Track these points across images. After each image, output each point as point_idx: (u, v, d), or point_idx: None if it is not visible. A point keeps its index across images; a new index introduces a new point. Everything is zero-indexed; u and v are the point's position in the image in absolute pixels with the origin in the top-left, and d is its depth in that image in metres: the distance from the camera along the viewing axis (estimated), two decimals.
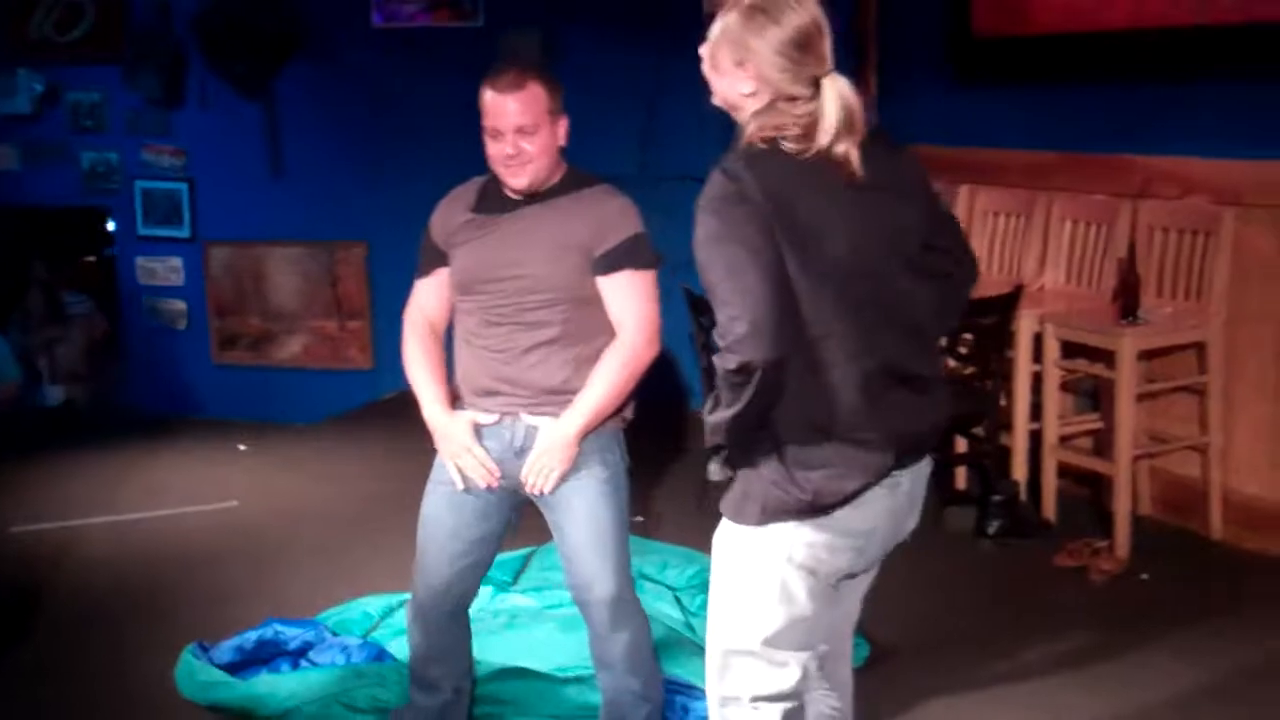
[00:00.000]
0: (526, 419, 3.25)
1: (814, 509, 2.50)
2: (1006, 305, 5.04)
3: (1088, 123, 5.39)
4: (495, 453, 3.26)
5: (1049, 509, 5.19)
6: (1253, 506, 4.91)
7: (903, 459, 2.58)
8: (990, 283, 5.23)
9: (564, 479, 3.23)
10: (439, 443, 3.30)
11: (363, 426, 6.93)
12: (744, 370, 2.40)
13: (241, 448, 6.79)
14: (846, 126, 2.48)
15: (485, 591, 4.52)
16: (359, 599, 4.55)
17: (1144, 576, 4.74)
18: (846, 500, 2.52)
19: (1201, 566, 4.84)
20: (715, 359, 2.47)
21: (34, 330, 8.24)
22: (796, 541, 2.53)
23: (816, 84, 2.49)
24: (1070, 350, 5.09)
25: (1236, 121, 4.86)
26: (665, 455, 6.13)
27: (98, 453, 6.78)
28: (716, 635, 2.66)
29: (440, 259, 3.36)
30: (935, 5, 5.95)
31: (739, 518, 2.56)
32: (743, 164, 2.44)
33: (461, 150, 7.01)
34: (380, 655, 4.15)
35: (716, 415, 2.49)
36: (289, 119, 7.40)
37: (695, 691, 3.72)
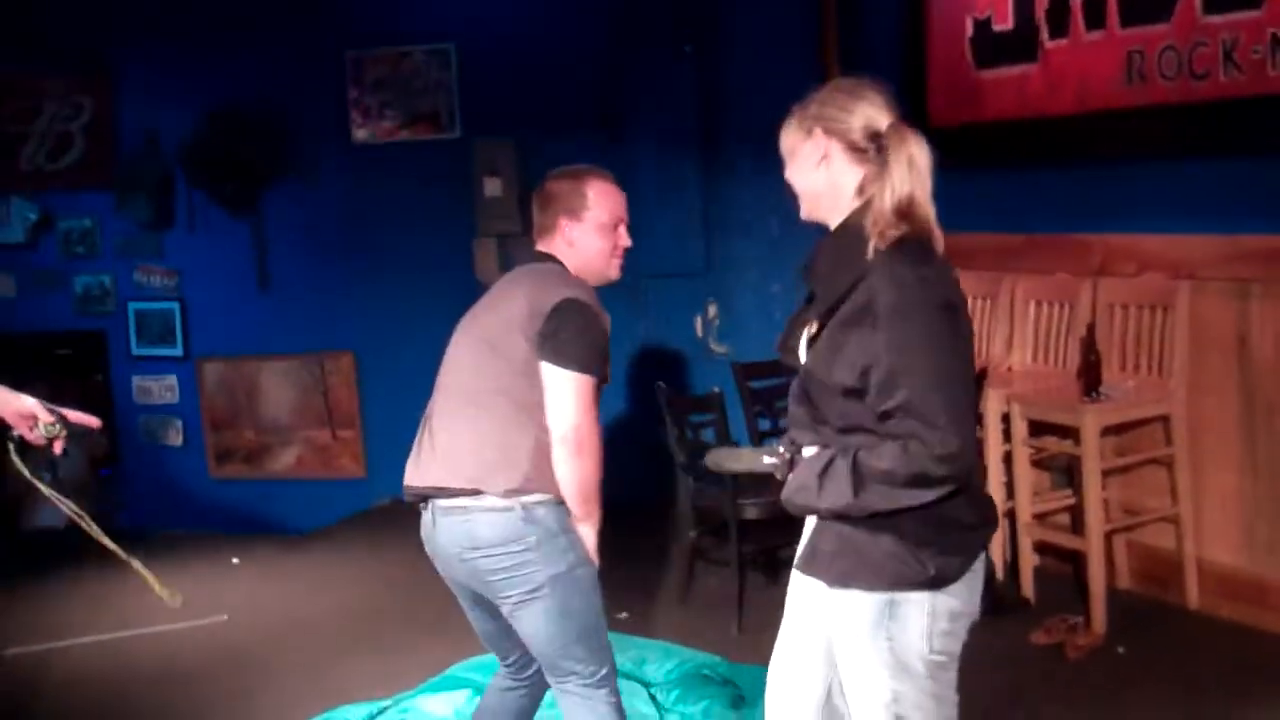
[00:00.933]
0: None
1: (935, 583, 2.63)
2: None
3: (1047, 205, 5.50)
4: None
5: (1027, 586, 5.23)
6: (1227, 575, 4.94)
7: None
8: None
9: None
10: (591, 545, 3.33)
11: (353, 535, 7.00)
12: (943, 482, 2.53)
13: (234, 561, 6.86)
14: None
15: (465, 693, 4.57)
16: (341, 708, 4.59)
17: (1120, 650, 4.77)
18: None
19: (1178, 637, 4.86)
20: (900, 455, 2.52)
21: (37, 452, 8.34)
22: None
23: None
24: (1039, 429, 5.16)
25: (1187, 198, 4.97)
26: (649, 550, 6.19)
27: (95, 572, 6.81)
28: None
29: (607, 365, 3.39)
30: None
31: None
32: (926, 266, 2.56)
33: (440, 259, 7.27)
34: None
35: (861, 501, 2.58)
36: (275, 236, 7.57)
37: None
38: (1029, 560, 5.23)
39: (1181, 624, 4.96)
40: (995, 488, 5.25)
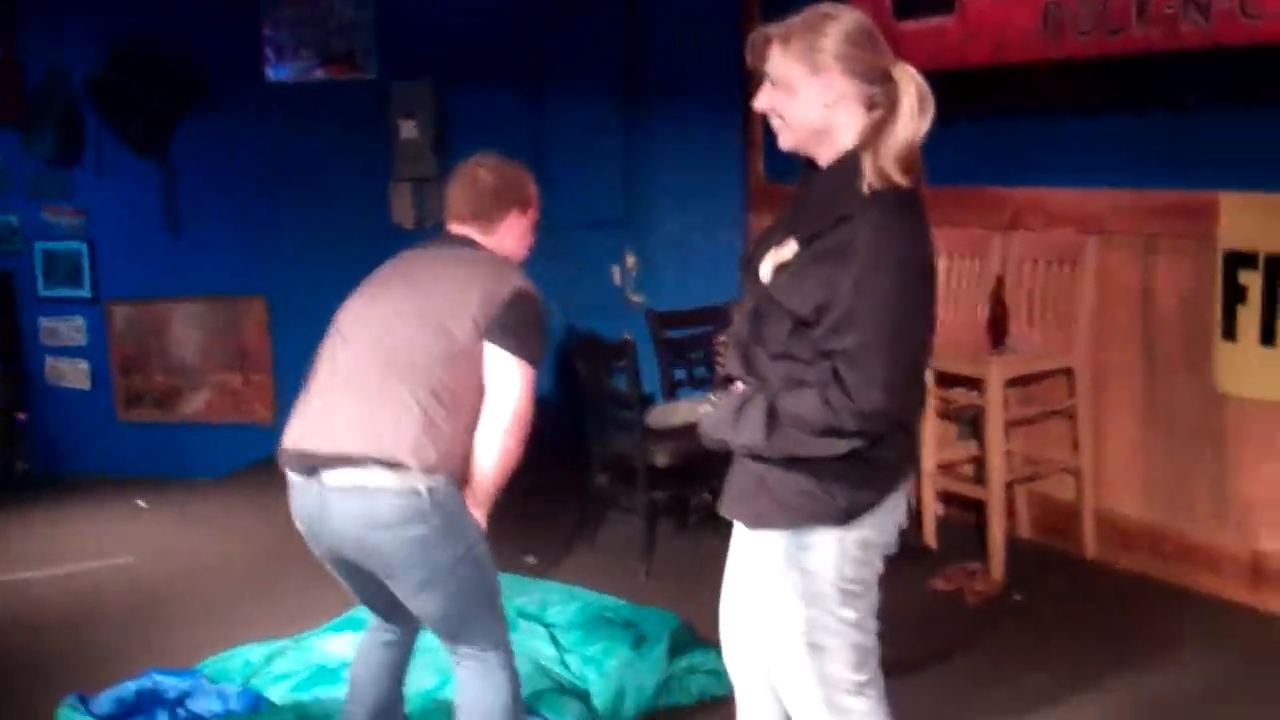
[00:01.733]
0: None
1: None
2: None
3: (961, 157, 5.49)
4: None
5: (929, 534, 5.29)
6: (1124, 526, 5.03)
7: None
8: None
9: None
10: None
11: (261, 480, 6.85)
12: (857, 435, 2.53)
13: (141, 504, 6.78)
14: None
15: None
16: (240, 647, 4.56)
17: (1017, 597, 4.84)
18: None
19: (1074, 586, 4.94)
20: (819, 406, 2.52)
21: None
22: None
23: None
24: (949, 380, 5.20)
25: (1098, 153, 5.02)
26: (560, 494, 6.18)
27: (5, 515, 6.74)
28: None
29: None
30: None
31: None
32: (915, 224, 2.57)
33: (355, 202, 7.19)
34: (257, 703, 4.16)
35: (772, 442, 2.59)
36: (186, 177, 7.42)
37: None
38: (932, 509, 5.29)
39: (1078, 573, 5.04)
40: None
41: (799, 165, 2.76)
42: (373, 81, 7.17)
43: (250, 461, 7.29)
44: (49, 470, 7.71)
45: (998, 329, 5.01)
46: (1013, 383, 5.07)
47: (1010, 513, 5.27)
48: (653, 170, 6.79)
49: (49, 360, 7.85)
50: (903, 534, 5.11)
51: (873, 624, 2.78)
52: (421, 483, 3.07)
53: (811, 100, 2.63)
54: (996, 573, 4.94)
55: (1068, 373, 5.06)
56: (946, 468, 5.41)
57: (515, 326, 3.19)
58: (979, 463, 5.43)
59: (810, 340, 2.58)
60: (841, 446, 2.56)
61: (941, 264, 5.47)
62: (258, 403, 7.57)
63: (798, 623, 2.71)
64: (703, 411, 2.82)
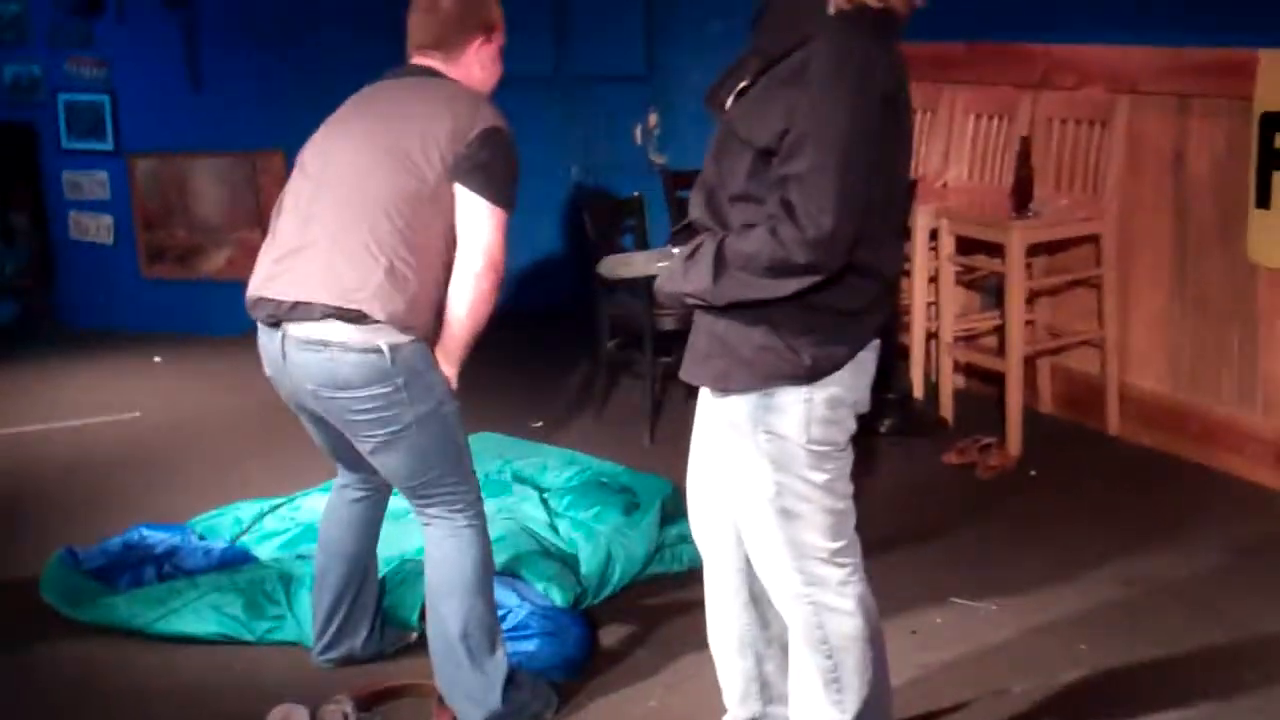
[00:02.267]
0: None
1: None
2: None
3: (988, 9, 5.23)
4: None
5: (946, 407, 5.13)
6: (1148, 401, 4.83)
7: None
8: None
9: None
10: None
11: None
12: (807, 270, 2.38)
13: (156, 360, 6.73)
14: None
15: None
16: (232, 504, 4.50)
17: (1033, 473, 4.69)
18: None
19: (1093, 463, 4.78)
20: (766, 240, 2.39)
21: None
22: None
23: None
24: (972, 247, 5.00)
25: (1131, 7, 4.73)
26: (569, 357, 6.08)
27: (22, 366, 6.73)
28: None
29: None
30: None
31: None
32: (878, 46, 2.39)
33: (376, 60, 6.97)
34: (244, 559, 4.11)
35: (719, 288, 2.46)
36: (208, 29, 7.25)
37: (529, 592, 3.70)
38: (949, 381, 5.12)
39: (1099, 449, 4.87)
40: (918, 305, 5.12)
41: None
42: None
43: None
44: (71, 324, 7.67)
45: (1022, 192, 4.77)
46: (1036, 250, 4.86)
47: (1031, 386, 5.10)
48: (679, 23, 6.53)
49: (72, 214, 7.76)
50: (917, 405, 5.04)
51: (846, 487, 2.65)
52: (384, 338, 2.93)
53: None
54: (1013, 447, 4.78)
55: (1094, 240, 4.83)
56: (967, 338, 5.23)
57: (486, 165, 3.00)
58: (1001, 334, 5.24)
59: (769, 176, 2.42)
60: (790, 286, 2.41)
61: (967, 124, 5.27)
62: None
63: (767, 488, 2.59)
64: (659, 267, 2.67)
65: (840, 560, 2.67)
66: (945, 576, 3.93)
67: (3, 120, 7.70)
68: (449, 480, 3.14)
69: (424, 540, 3.24)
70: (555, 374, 5.88)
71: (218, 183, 7.50)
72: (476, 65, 3.18)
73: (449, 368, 3.11)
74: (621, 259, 2.93)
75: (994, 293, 5.28)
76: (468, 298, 3.04)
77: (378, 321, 2.92)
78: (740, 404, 2.58)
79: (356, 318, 2.91)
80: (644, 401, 5.18)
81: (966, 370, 5.31)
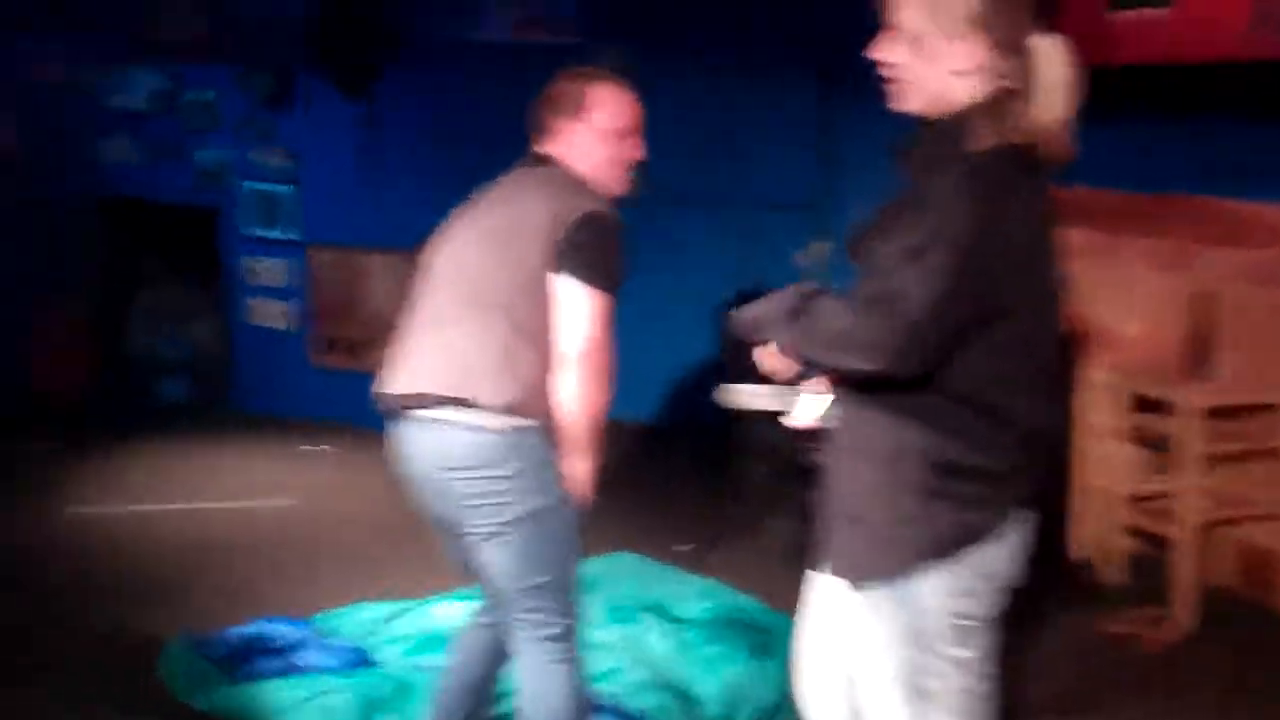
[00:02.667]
0: None
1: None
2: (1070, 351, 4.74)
3: (1168, 161, 5.02)
4: None
5: (1116, 572, 4.84)
6: None
7: None
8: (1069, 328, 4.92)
9: None
10: (585, 481, 3.06)
11: None
12: (868, 350, 2.25)
13: (326, 449, 6.80)
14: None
15: None
16: (361, 603, 4.46)
17: (1201, 650, 4.37)
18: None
19: (1270, 646, 4.43)
20: (849, 308, 2.29)
21: (163, 325, 8.43)
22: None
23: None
24: (1142, 404, 4.75)
25: None
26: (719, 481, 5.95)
27: (189, 446, 6.87)
28: None
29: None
30: None
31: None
32: (1001, 169, 2.28)
33: None
34: (364, 662, 4.04)
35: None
36: (390, 127, 7.40)
37: None
38: (1120, 545, 4.83)
39: (1276, 631, 4.53)
40: (1093, 462, 4.86)
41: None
42: (574, 45, 7.00)
43: None
44: (243, 407, 7.82)
45: (1199, 351, 4.51)
46: (1219, 413, 4.58)
47: (1209, 557, 4.78)
48: (852, 153, 6.43)
49: (250, 300, 7.95)
50: (1083, 569, 4.78)
51: (987, 668, 2.45)
52: (499, 422, 2.90)
53: (940, 60, 2.34)
54: (1182, 620, 4.48)
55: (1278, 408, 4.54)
56: (1141, 500, 4.94)
57: (588, 250, 2.95)
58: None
59: None
60: (845, 362, 2.30)
61: (1146, 276, 5.03)
62: None
63: (899, 664, 2.40)
64: (777, 403, 2.61)
65: None
66: None
67: (190, 204, 7.96)
68: (548, 598, 3.00)
69: (515, 669, 3.10)
70: (708, 496, 5.75)
71: (392, 278, 7.59)
72: (573, 148, 3.14)
73: (579, 462, 3.00)
74: (738, 389, 2.82)
75: (1167, 453, 4.99)
76: (572, 385, 2.95)
77: (493, 408, 2.89)
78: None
79: (471, 404, 2.89)
80: (796, 535, 5.01)
81: (1141, 535, 5.02)
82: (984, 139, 2.28)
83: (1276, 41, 4.44)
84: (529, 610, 3.01)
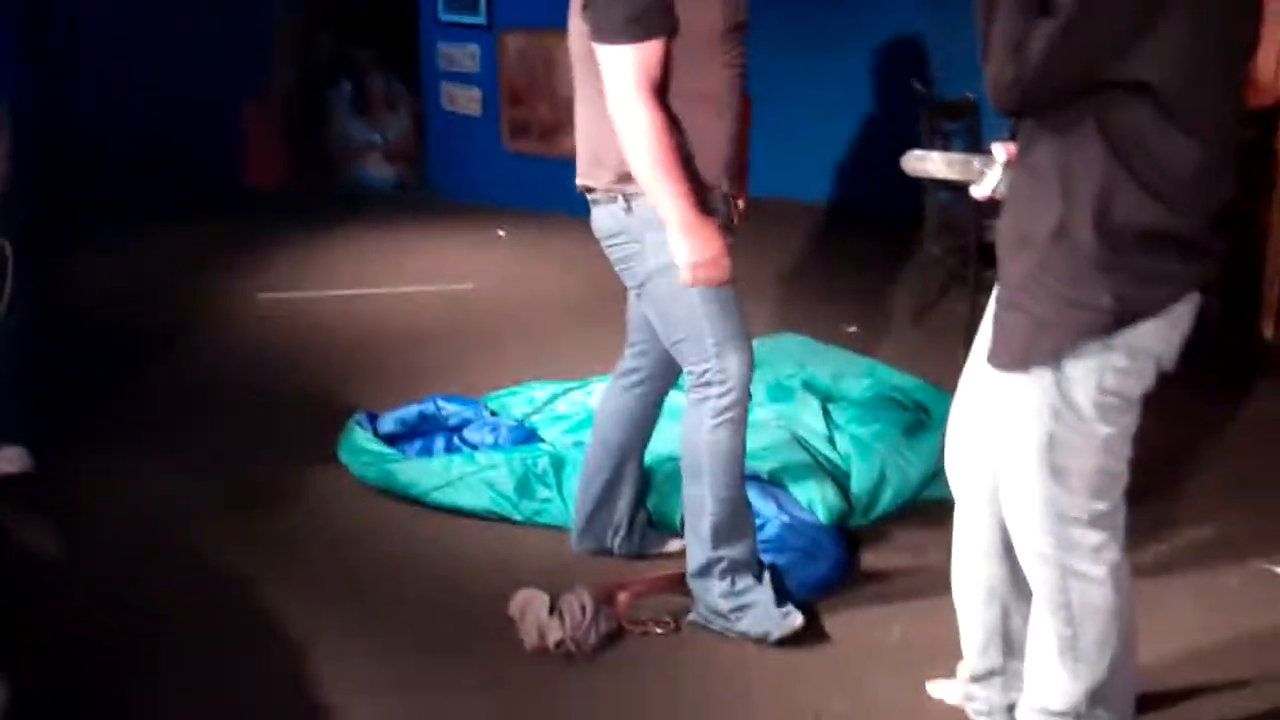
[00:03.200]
0: None
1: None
2: (1268, 120, 4.45)
3: None
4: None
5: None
6: None
7: None
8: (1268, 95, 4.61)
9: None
10: (694, 250, 2.91)
11: None
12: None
13: (500, 234, 6.91)
14: None
15: None
16: (528, 383, 4.58)
17: None
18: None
19: None
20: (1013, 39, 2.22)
21: (368, 110, 8.62)
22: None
23: None
24: None
25: None
26: (895, 260, 5.85)
27: (382, 232, 7.06)
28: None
29: (671, 14, 2.85)
30: None
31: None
32: None
33: None
34: (526, 439, 4.17)
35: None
36: None
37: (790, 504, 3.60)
38: None
39: None
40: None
41: None
42: None
43: None
44: (438, 192, 7.99)
45: None
46: None
47: None
48: None
49: (444, 85, 8.04)
50: (1266, 344, 4.57)
51: (1125, 448, 2.42)
52: (614, 193, 3.02)
53: None
54: None
55: None
56: None
57: (590, 7, 2.87)
58: None
59: None
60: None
61: None
62: None
63: (1040, 436, 2.39)
64: (958, 172, 2.60)
65: (1101, 525, 2.44)
66: (1255, 537, 3.56)
67: None
68: (695, 345, 3.05)
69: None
70: (881, 276, 5.67)
71: None
72: None
73: (671, 236, 2.93)
74: (920, 155, 2.77)
75: None
76: (621, 136, 2.90)
77: (604, 183, 3.03)
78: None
79: (595, 174, 3.06)
80: (965, 315, 4.92)
81: None
82: None
83: None
84: (683, 359, 3.11)
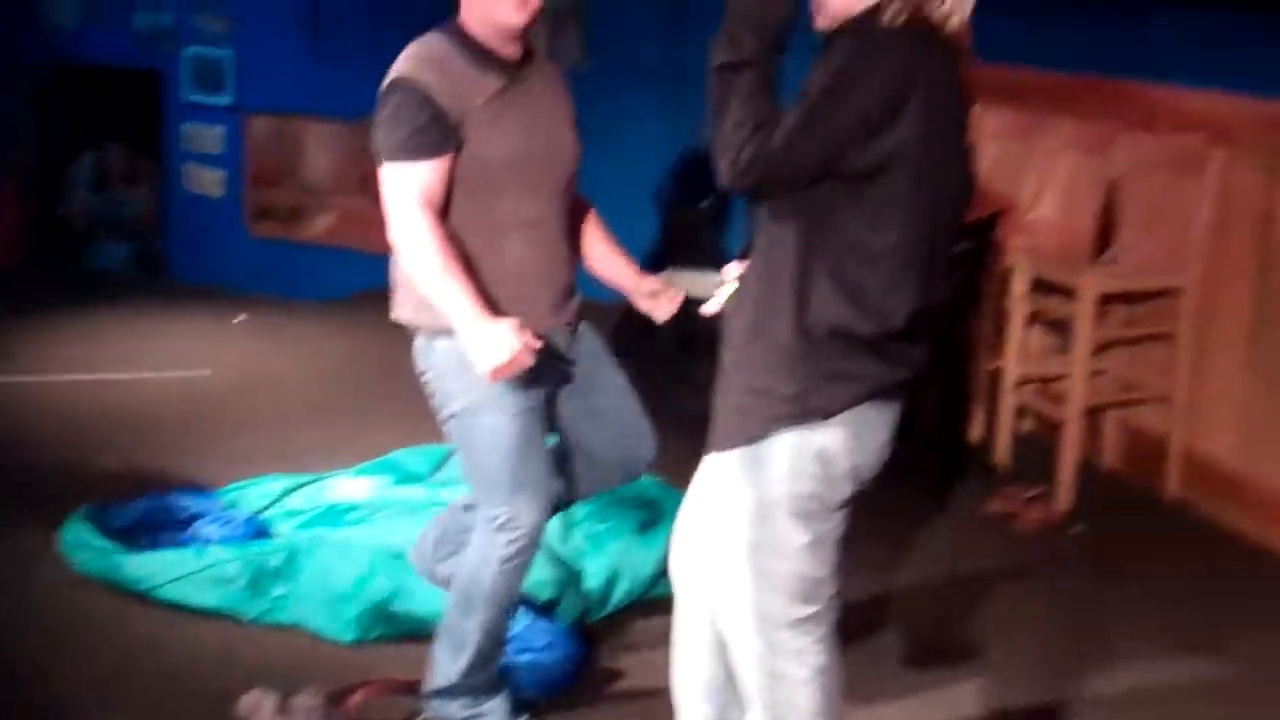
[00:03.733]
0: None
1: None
2: (982, 232, 4.77)
3: (1094, 44, 5.01)
4: (556, 356, 3.07)
5: (1003, 452, 4.93)
6: (1213, 469, 4.60)
7: None
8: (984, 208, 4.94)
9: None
10: (488, 353, 2.79)
11: (363, 310, 6.85)
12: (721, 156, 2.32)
13: (239, 319, 6.81)
14: None
15: (387, 479, 4.48)
16: (265, 476, 4.53)
17: (1078, 529, 4.49)
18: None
19: (1145, 527, 4.56)
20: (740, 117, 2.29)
21: (109, 189, 8.39)
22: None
23: None
24: (1044, 286, 4.81)
25: (1239, 54, 4.48)
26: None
27: (118, 314, 6.87)
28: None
29: (452, 137, 2.89)
30: None
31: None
32: (903, 40, 2.31)
33: None
34: (258, 534, 4.12)
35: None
36: None
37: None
38: (1008, 424, 4.93)
39: (1153, 512, 4.65)
40: (988, 343, 4.94)
41: None
42: None
43: (363, 288, 7.29)
44: (177, 275, 7.83)
45: (1103, 237, 4.56)
46: (1114, 298, 4.65)
47: (1095, 440, 4.89)
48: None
49: (188, 166, 7.92)
50: (970, 448, 4.87)
51: (829, 555, 2.54)
52: (417, 329, 3.03)
53: None
54: (1061, 502, 4.59)
55: (1175, 294, 4.60)
56: (1034, 382, 5.03)
57: (374, 125, 2.94)
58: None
59: None
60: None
61: (1061, 158, 5.05)
62: (380, 230, 7.47)
63: (744, 538, 2.49)
64: (707, 288, 2.66)
65: (806, 629, 2.56)
66: (966, 633, 3.79)
67: (131, 67, 7.88)
68: (488, 496, 3.05)
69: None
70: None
71: (328, 148, 7.57)
72: None
73: (466, 337, 2.85)
74: (671, 275, 2.87)
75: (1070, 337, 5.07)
76: (403, 261, 2.95)
77: (403, 319, 3.06)
78: (730, 462, 2.49)
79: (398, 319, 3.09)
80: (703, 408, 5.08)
81: (1029, 415, 5.12)
82: (896, 19, 2.32)
83: None
84: (474, 497, 3.14)
